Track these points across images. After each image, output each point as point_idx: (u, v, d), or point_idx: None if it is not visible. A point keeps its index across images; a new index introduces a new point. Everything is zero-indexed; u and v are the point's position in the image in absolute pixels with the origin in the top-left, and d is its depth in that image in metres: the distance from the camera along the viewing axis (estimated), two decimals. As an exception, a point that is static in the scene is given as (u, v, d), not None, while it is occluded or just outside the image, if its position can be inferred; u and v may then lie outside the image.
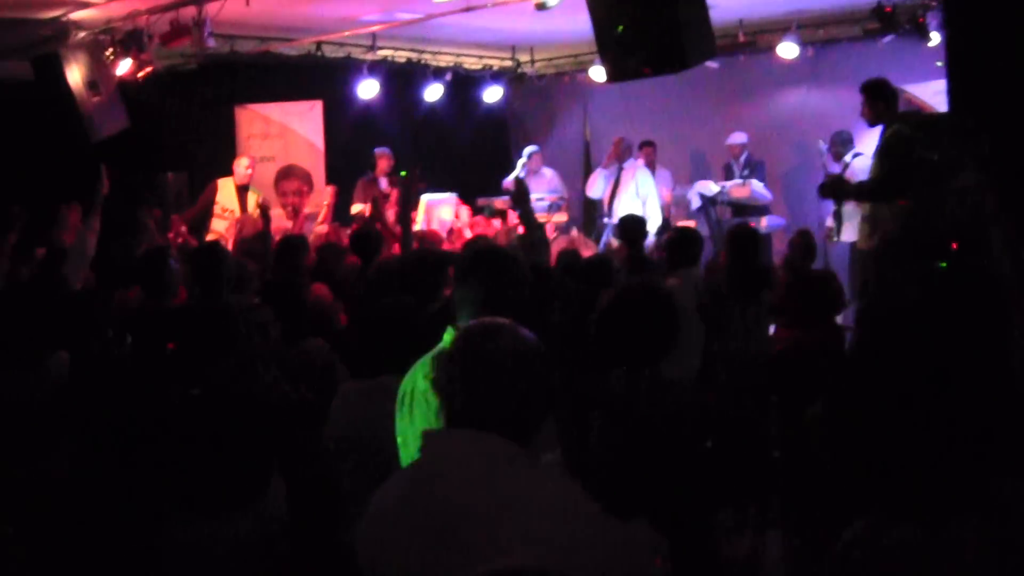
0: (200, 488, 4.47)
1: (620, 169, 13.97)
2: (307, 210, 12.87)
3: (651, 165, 14.16)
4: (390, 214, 12.01)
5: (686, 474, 3.87)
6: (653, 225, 12.94)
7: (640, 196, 13.63)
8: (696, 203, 13.63)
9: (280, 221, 12.58)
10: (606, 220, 13.83)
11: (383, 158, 13.30)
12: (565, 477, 2.80)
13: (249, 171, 12.45)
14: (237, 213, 12.18)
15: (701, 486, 3.91)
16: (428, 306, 5.55)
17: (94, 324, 5.82)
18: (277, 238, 9.46)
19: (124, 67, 11.19)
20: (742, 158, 13.75)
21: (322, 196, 12.97)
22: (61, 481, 5.18)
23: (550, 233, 12.60)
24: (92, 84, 10.57)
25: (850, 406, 3.88)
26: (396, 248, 10.15)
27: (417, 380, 3.69)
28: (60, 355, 5.24)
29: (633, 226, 9.97)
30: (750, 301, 7.56)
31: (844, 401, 3.91)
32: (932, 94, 11.37)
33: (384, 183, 13.02)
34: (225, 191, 12.36)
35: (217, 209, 12.25)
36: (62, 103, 10.45)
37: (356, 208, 12.81)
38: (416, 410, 3.64)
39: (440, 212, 12.66)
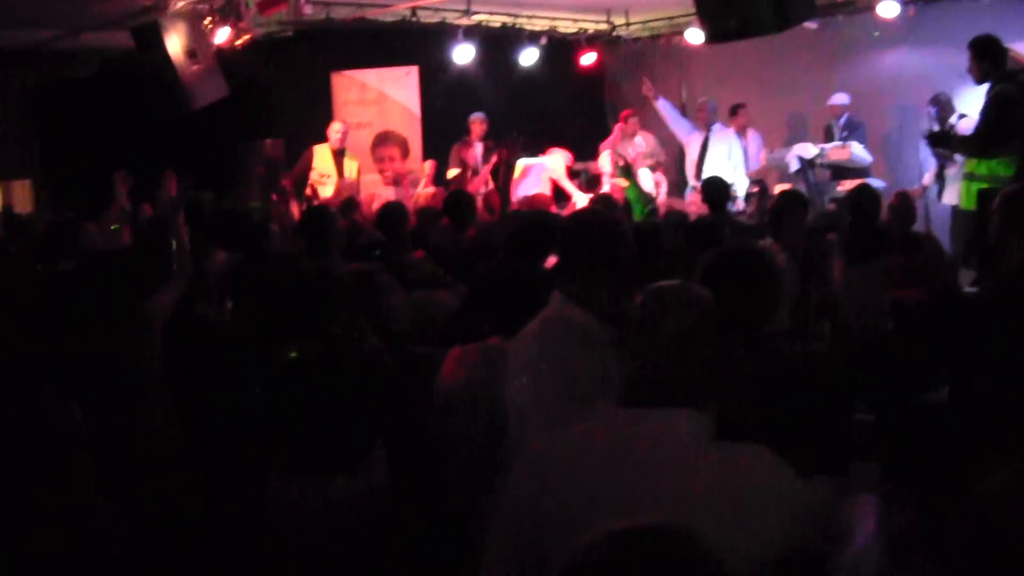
0: (303, 449, 4.54)
1: (708, 133, 13.86)
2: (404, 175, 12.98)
3: (744, 128, 13.99)
4: (481, 179, 12.05)
5: (790, 434, 3.83)
6: (740, 189, 12.85)
7: (731, 160, 13.52)
8: (794, 166, 13.43)
9: (376, 187, 12.67)
10: (691, 184, 13.75)
11: (477, 123, 13.29)
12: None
13: (340, 135, 12.53)
14: (334, 178, 12.28)
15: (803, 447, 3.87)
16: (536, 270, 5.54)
17: (201, 287, 5.91)
18: (374, 204, 9.52)
19: (222, 35, 11.30)
20: (842, 119, 13.51)
21: (417, 163, 13.02)
22: (167, 442, 5.27)
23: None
24: (191, 53, 10.67)
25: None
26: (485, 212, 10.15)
27: (526, 343, 3.66)
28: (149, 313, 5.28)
29: (717, 189, 9.85)
30: (870, 263, 7.44)
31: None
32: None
33: (479, 148, 13.03)
34: (321, 156, 12.50)
35: (315, 175, 12.39)
36: (162, 72, 10.56)
37: (452, 173, 12.84)
38: (534, 376, 3.59)
39: (545, 176, 12.57)
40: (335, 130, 12.62)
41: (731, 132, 13.90)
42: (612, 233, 3.69)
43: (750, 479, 2.54)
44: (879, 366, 7.32)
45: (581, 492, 2.58)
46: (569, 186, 12.25)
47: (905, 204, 9.04)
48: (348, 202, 10.31)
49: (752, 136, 14.01)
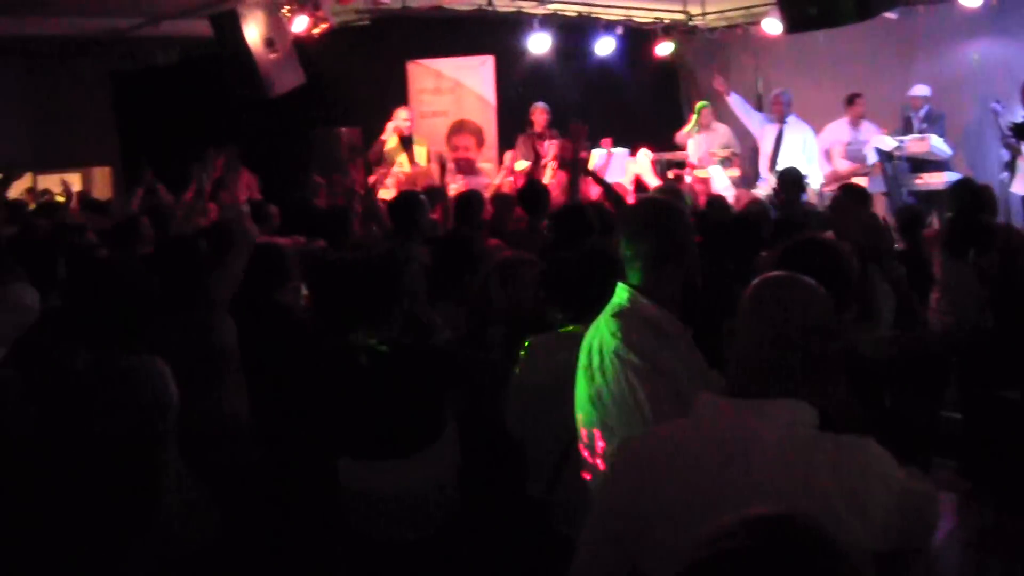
0: (372, 435, 4.57)
1: (783, 125, 13.73)
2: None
3: (859, 119, 13.75)
4: (550, 170, 12.01)
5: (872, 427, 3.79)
6: (815, 182, 12.73)
7: (805, 152, 13.38)
8: (872, 158, 13.27)
9: (451, 175, 12.69)
10: (763, 176, 13.64)
11: (540, 112, 13.19)
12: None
13: (408, 123, 12.56)
14: (405, 166, 12.30)
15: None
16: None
17: (283, 274, 5.97)
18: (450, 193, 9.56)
19: (300, 24, 11.40)
20: (922, 111, 13.32)
21: (492, 151, 13.03)
22: (241, 429, 5.33)
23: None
24: (269, 41, 10.75)
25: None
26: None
27: (604, 336, 3.64)
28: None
29: (792, 180, 9.76)
30: (968, 258, 7.33)
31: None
32: None
33: (543, 138, 12.94)
34: (390, 144, 12.51)
35: (386, 158, 12.44)
36: (240, 60, 10.65)
37: (520, 165, 12.79)
38: (606, 368, 3.57)
39: (632, 166, 12.47)
40: (402, 117, 12.65)
41: (805, 125, 13.72)
42: (673, 225, 3.65)
43: (863, 471, 2.51)
44: (974, 362, 7.29)
45: (691, 486, 2.55)
46: (653, 180, 12.17)
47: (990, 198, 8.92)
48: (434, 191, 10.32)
49: (866, 127, 13.74)
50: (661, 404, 3.39)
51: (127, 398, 4.06)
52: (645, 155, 11.72)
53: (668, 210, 3.74)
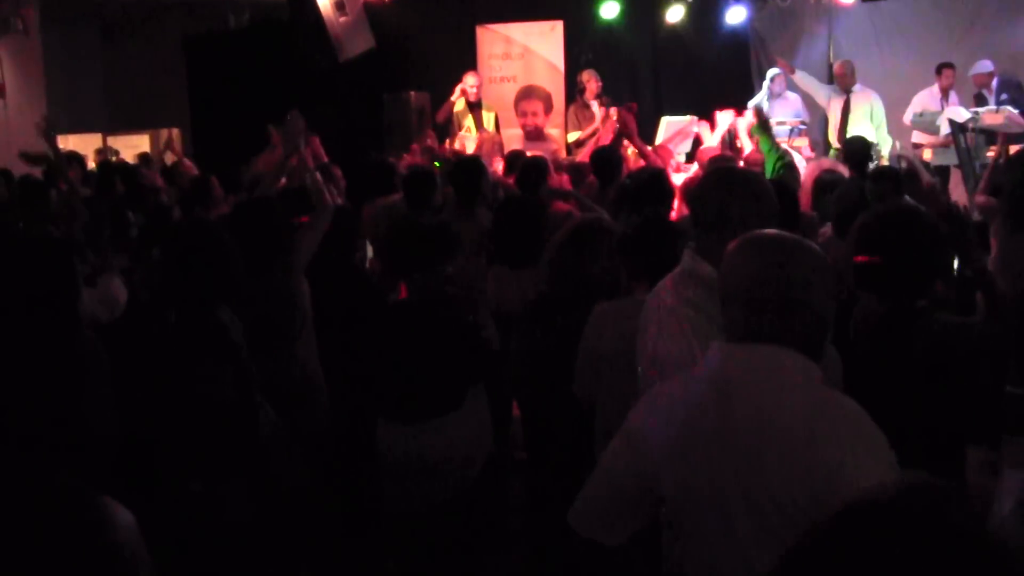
0: (399, 396, 4.66)
1: (849, 95, 13.56)
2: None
3: (947, 90, 13.55)
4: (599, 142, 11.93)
5: (945, 405, 3.76)
6: (885, 150, 12.57)
7: (874, 123, 13.22)
8: (945, 129, 13.08)
9: (518, 141, 12.66)
10: (834, 146, 13.49)
11: (591, 80, 13.00)
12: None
13: (475, 88, 12.53)
14: (473, 131, 12.30)
15: (957, 419, 3.80)
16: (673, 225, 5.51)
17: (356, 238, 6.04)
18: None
19: (373, -12, 11.41)
20: (993, 84, 13.11)
21: (559, 117, 12.99)
22: (316, 391, 5.41)
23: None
24: (340, 5, 10.81)
25: None
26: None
27: (662, 296, 3.66)
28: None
29: (858, 149, 9.64)
30: None
31: None
32: None
33: (595, 106, 12.83)
34: (459, 108, 12.52)
35: (455, 122, 12.44)
36: (311, 23, 10.70)
37: (573, 136, 12.68)
38: (665, 328, 3.59)
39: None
40: (470, 84, 12.64)
41: (872, 93, 13.53)
42: (728, 190, 3.64)
43: (861, 419, 2.59)
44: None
45: (693, 422, 2.69)
46: (746, 142, 12.00)
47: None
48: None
49: (954, 98, 13.53)
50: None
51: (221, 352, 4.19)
52: (745, 119, 11.60)
53: (728, 178, 3.72)
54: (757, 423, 2.58)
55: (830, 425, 2.54)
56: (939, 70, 13.45)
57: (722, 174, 3.78)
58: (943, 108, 13.10)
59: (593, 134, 12.15)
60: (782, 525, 2.51)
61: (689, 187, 7.61)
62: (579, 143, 12.32)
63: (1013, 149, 11.97)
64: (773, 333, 2.67)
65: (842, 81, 13.69)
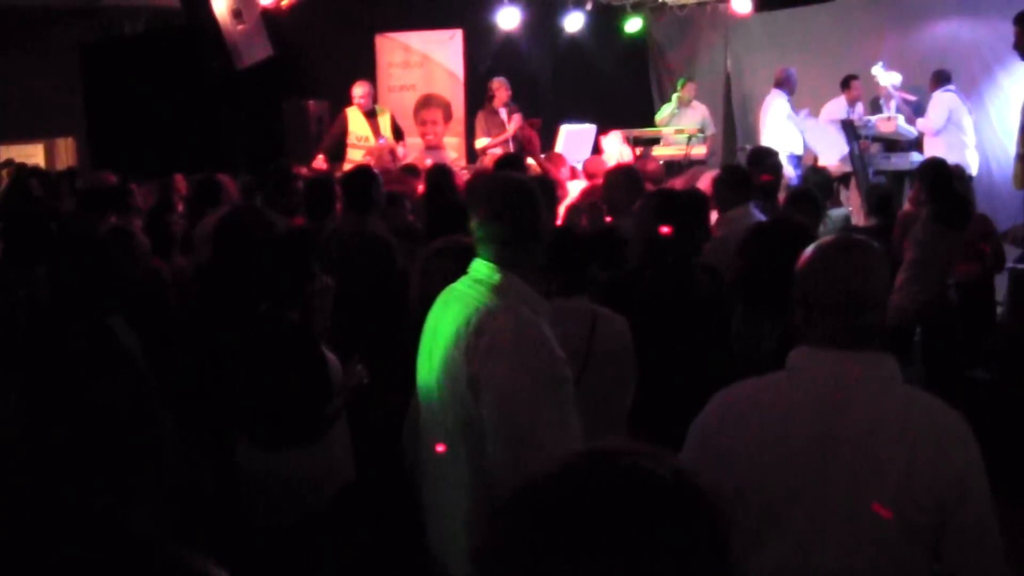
0: (259, 422, 4.56)
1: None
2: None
3: (855, 100, 13.71)
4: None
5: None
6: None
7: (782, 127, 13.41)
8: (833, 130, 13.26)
9: (417, 150, 12.63)
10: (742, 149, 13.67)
11: (501, 88, 12.90)
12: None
13: (365, 97, 12.39)
14: (371, 140, 12.19)
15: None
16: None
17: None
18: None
19: (269, -4, 11.34)
20: (892, 101, 13.38)
21: (459, 127, 13.00)
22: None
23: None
24: (237, 12, 10.71)
25: None
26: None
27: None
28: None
29: (760, 157, 9.77)
30: (955, 233, 7.66)
31: None
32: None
33: (503, 113, 12.80)
34: (355, 120, 12.38)
35: (351, 139, 12.30)
36: (208, 31, 10.60)
37: (481, 142, 12.67)
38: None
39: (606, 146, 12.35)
40: (358, 95, 12.42)
41: (779, 96, 13.72)
42: (534, 202, 3.59)
43: (948, 418, 2.68)
44: (940, 340, 7.45)
45: (798, 431, 2.71)
46: (626, 153, 12.09)
47: (961, 178, 9.06)
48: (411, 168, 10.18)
49: (861, 108, 13.70)
50: None
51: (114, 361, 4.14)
52: (615, 137, 11.70)
53: (524, 188, 3.66)
54: (880, 429, 2.63)
55: (948, 430, 2.64)
56: (846, 82, 13.64)
57: (516, 185, 3.66)
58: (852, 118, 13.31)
59: (505, 142, 12.23)
60: (889, 531, 2.57)
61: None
62: (484, 151, 12.34)
63: (902, 160, 12.28)
64: (866, 337, 2.73)
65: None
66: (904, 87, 13.22)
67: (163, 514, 4.11)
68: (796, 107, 13.58)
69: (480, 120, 12.82)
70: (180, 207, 8.29)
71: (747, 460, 2.72)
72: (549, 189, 6.69)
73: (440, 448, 3.49)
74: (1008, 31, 9.22)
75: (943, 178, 8.04)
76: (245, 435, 4.68)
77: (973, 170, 11.99)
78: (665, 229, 4.89)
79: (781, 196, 8.03)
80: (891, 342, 2.85)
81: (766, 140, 12.81)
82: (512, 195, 3.54)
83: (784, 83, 13.80)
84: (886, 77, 13.12)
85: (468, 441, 3.35)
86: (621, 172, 7.64)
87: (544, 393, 3.29)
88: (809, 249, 2.87)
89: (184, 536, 4.00)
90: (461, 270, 3.54)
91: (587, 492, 1.44)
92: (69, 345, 4.21)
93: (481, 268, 3.46)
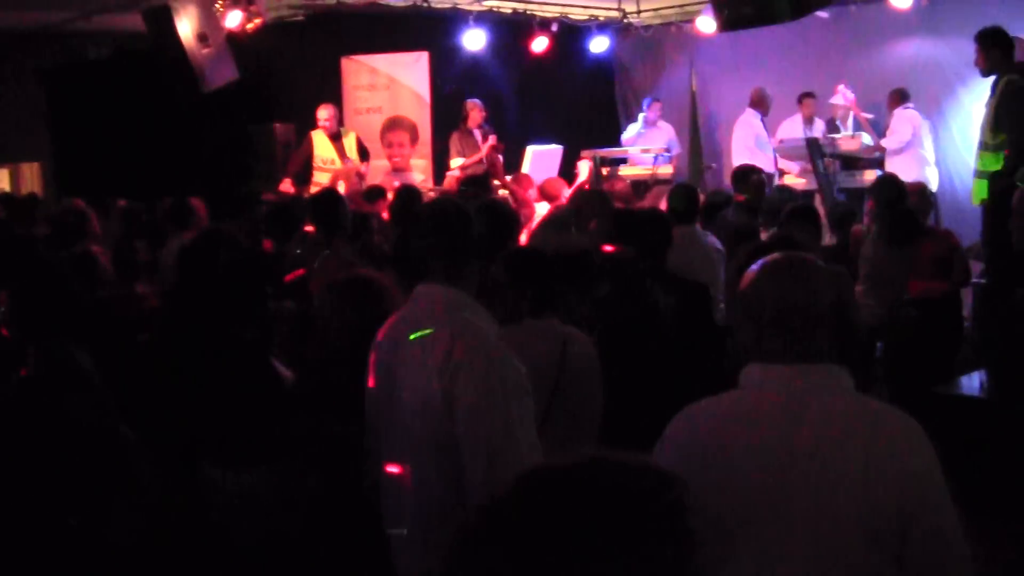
0: (220, 440, 4.54)
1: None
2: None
3: (811, 118, 13.85)
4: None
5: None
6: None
7: (757, 145, 13.54)
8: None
9: (384, 172, 12.65)
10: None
11: (475, 109, 13.02)
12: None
13: (329, 120, 12.41)
14: (337, 163, 12.22)
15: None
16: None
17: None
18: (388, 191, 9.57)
19: (234, 19, 11.34)
20: (848, 120, 13.53)
21: (426, 148, 13.03)
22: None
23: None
24: (202, 36, 10.67)
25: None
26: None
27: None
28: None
29: (744, 175, 9.86)
30: (904, 248, 7.87)
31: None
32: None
33: (477, 135, 12.88)
34: (320, 143, 12.40)
35: (317, 162, 12.32)
36: (173, 54, 10.57)
37: (456, 163, 12.70)
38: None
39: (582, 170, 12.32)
40: (323, 117, 12.46)
41: (751, 116, 13.87)
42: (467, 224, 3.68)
43: (901, 423, 2.71)
44: (902, 356, 7.51)
45: (758, 447, 2.73)
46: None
47: (923, 194, 9.15)
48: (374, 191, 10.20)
49: (818, 124, 13.84)
50: None
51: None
52: (585, 165, 11.72)
53: (457, 210, 3.74)
54: (835, 438, 2.65)
55: (902, 435, 2.66)
56: (801, 99, 13.79)
57: (453, 209, 3.75)
58: (806, 135, 13.41)
59: (480, 162, 12.28)
60: (851, 542, 2.59)
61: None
62: (462, 170, 12.38)
63: (866, 177, 12.39)
64: (816, 350, 2.77)
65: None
66: (860, 106, 13.36)
67: (136, 530, 4.10)
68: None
69: (454, 141, 12.88)
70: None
71: (706, 480, 2.70)
72: (504, 213, 6.70)
73: (396, 470, 3.52)
74: (969, 49, 9.28)
75: (892, 194, 8.15)
76: (208, 455, 4.66)
77: (933, 186, 12.13)
78: (608, 248, 4.99)
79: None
80: (849, 357, 2.85)
81: (737, 159, 12.91)
82: (444, 216, 3.67)
83: (759, 103, 13.96)
84: (845, 96, 13.29)
85: (441, 460, 3.37)
86: (591, 192, 7.70)
87: (515, 405, 3.36)
88: (754, 267, 2.90)
89: (157, 552, 4.02)
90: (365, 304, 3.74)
91: (548, 509, 1.45)
92: (29, 367, 4.21)
93: (429, 288, 3.59)
